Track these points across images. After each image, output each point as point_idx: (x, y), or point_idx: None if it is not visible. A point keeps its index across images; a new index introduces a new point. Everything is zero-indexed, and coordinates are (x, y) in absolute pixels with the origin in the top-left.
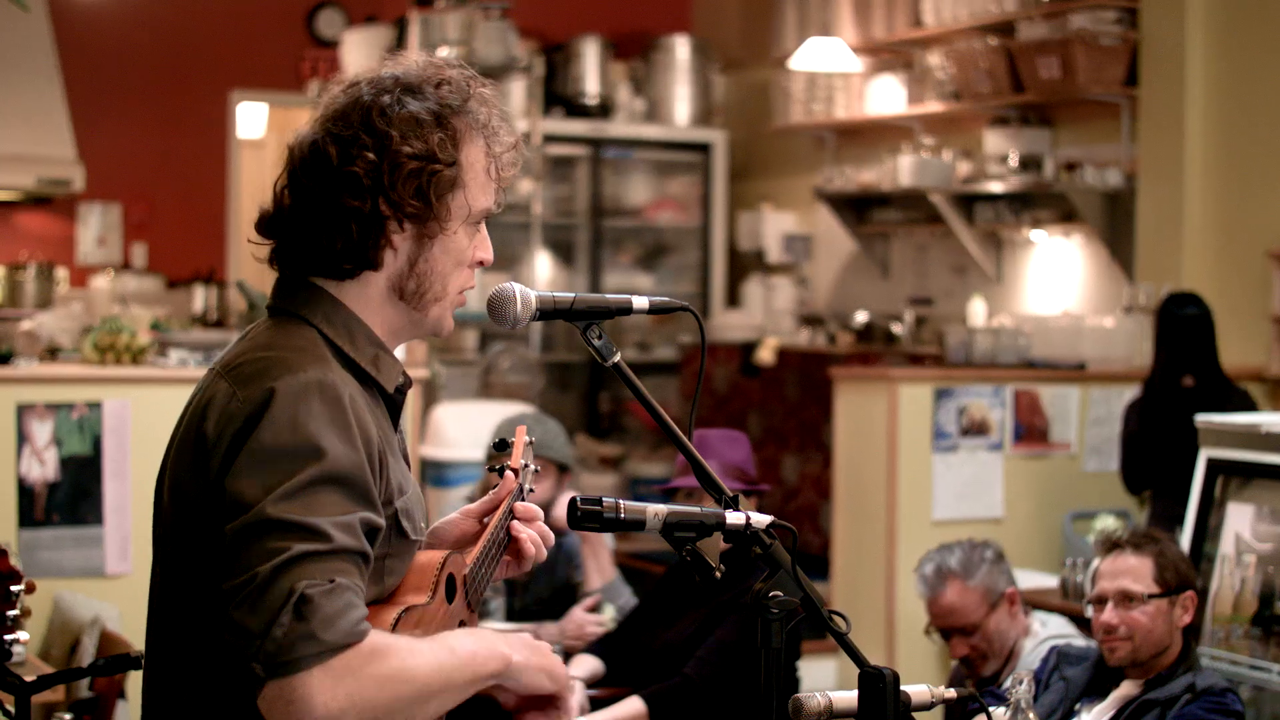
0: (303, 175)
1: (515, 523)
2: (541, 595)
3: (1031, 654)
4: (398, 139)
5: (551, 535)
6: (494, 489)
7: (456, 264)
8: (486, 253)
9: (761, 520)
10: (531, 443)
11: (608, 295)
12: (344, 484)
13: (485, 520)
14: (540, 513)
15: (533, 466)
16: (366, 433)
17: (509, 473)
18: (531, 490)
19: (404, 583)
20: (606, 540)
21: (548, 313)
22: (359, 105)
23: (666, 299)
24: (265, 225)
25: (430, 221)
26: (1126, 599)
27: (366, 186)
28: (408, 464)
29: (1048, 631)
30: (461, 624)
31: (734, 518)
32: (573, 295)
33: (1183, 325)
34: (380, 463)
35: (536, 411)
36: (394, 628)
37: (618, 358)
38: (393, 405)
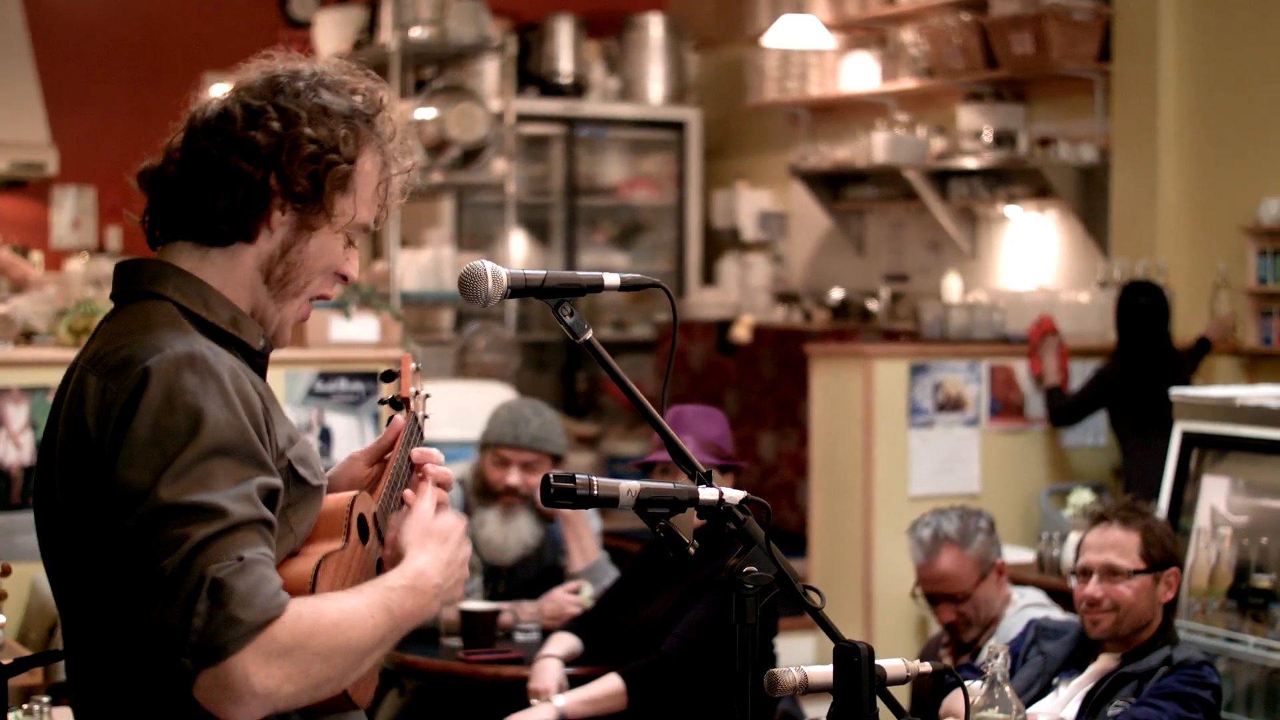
0: (202, 135)
1: (416, 452)
2: (526, 579)
3: (1012, 619)
4: (305, 120)
5: (451, 478)
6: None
7: (325, 268)
8: (353, 270)
9: (735, 496)
10: (418, 369)
11: (579, 272)
12: (231, 452)
13: (373, 465)
14: (437, 454)
15: (424, 392)
16: (245, 395)
17: (395, 419)
18: (427, 416)
19: (315, 530)
20: (590, 522)
21: (519, 290)
22: (271, 82)
23: (638, 276)
24: (148, 179)
25: (315, 213)
26: (1112, 573)
27: (262, 156)
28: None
29: (1025, 601)
30: (379, 562)
31: (707, 493)
32: (544, 272)
33: (1138, 313)
34: (266, 420)
35: (536, 403)
36: (314, 577)
37: (589, 335)
38: (256, 367)
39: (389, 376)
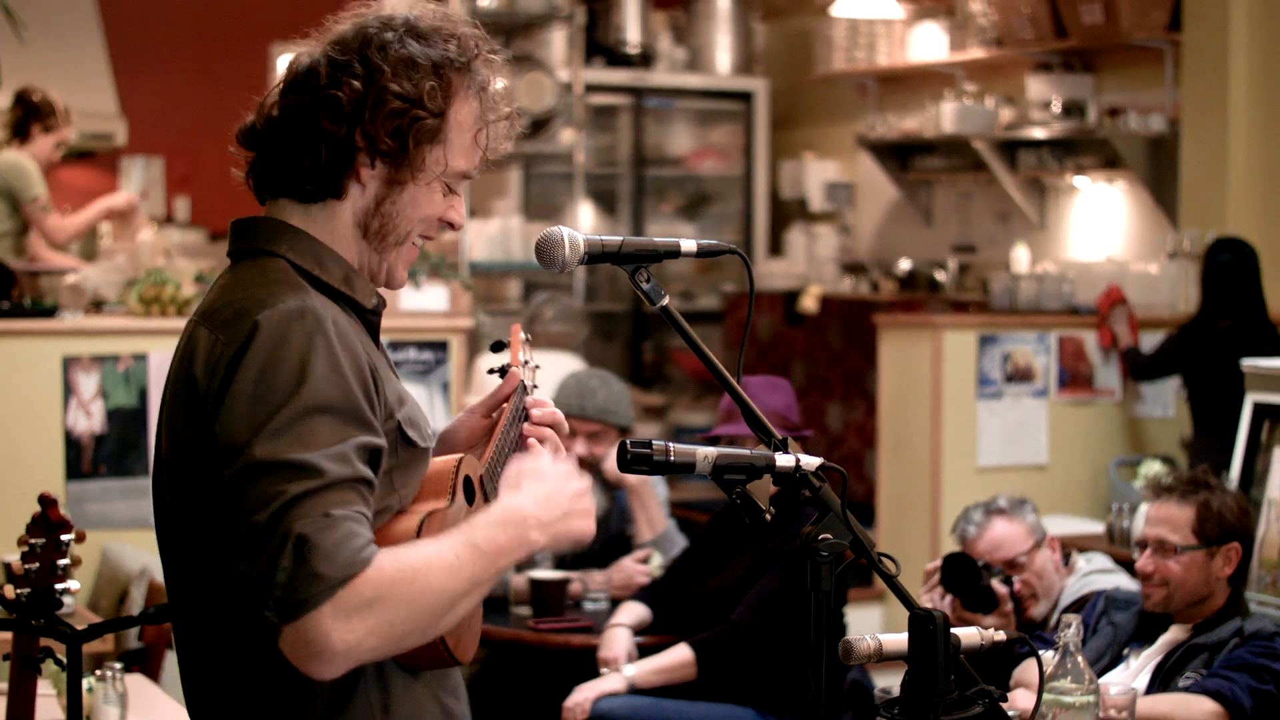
0: (291, 91)
1: (527, 425)
2: (594, 548)
3: (1076, 585)
4: (389, 75)
5: (566, 424)
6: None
7: (424, 217)
8: (459, 217)
9: (811, 463)
10: (528, 339)
11: (655, 239)
12: (332, 410)
13: (489, 415)
14: (551, 405)
15: (533, 362)
16: (353, 353)
17: (512, 370)
18: (536, 386)
19: (421, 491)
20: (657, 492)
21: (596, 256)
22: (361, 34)
23: (714, 242)
24: (247, 136)
25: (403, 167)
26: (1161, 548)
27: (346, 114)
28: (396, 377)
29: (1091, 567)
30: None
31: (784, 460)
32: (620, 238)
33: (1218, 271)
34: (374, 378)
35: (604, 374)
36: (418, 534)
37: (666, 301)
38: (369, 325)
39: (499, 346)
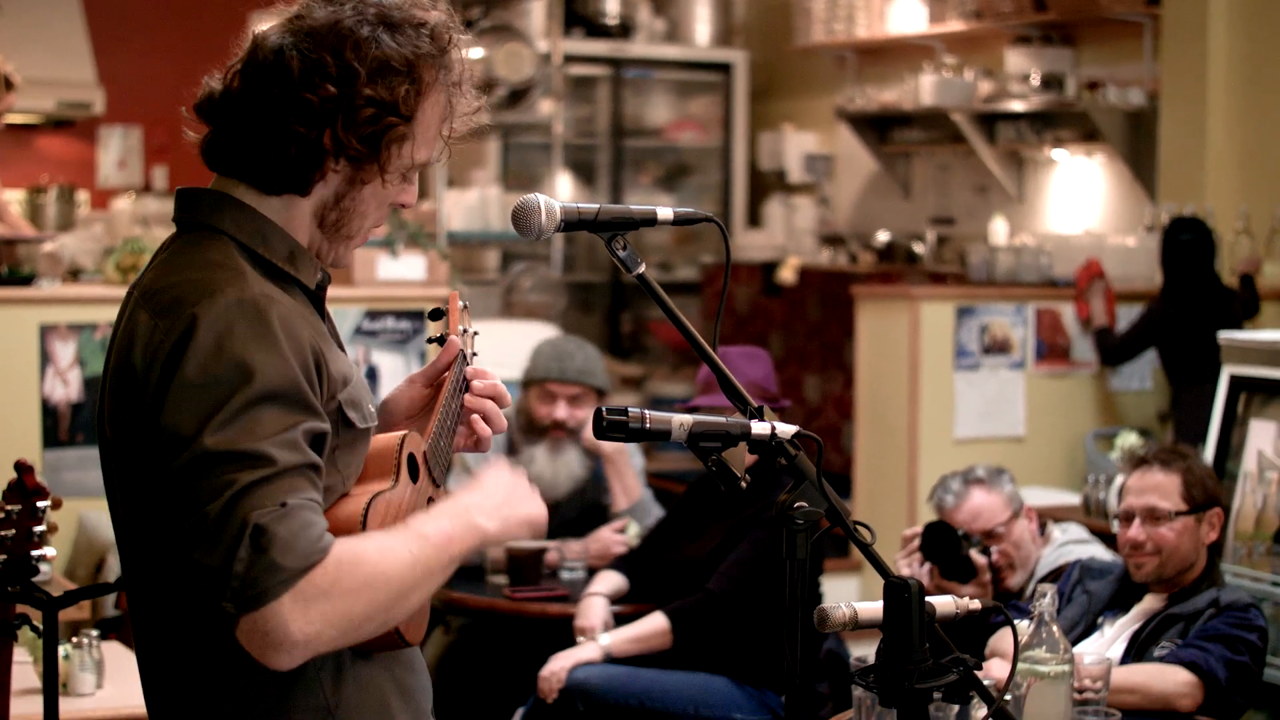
0: (258, 77)
1: (469, 397)
2: (570, 517)
3: (1052, 556)
4: (363, 79)
5: (508, 395)
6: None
7: (379, 208)
8: (410, 199)
9: (786, 430)
10: (466, 307)
11: (632, 206)
12: (279, 398)
13: (430, 386)
14: (492, 375)
15: (472, 329)
16: (296, 339)
17: (450, 339)
18: (475, 354)
19: (365, 470)
20: (632, 460)
21: (572, 224)
22: (336, 29)
23: (690, 210)
24: (207, 107)
25: (370, 167)
26: (1153, 515)
27: (318, 117)
28: (344, 352)
29: (1067, 537)
30: (430, 500)
31: (759, 428)
32: (597, 206)
33: (1181, 250)
34: (318, 363)
35: (578, 339)
36: (364, 516)
37: (643, 269)
38: (315, 300)
39: (437, 314)
